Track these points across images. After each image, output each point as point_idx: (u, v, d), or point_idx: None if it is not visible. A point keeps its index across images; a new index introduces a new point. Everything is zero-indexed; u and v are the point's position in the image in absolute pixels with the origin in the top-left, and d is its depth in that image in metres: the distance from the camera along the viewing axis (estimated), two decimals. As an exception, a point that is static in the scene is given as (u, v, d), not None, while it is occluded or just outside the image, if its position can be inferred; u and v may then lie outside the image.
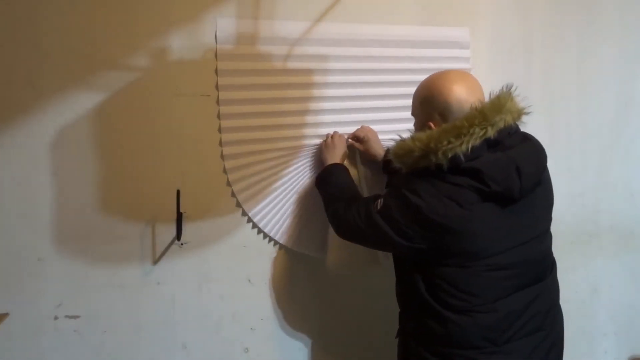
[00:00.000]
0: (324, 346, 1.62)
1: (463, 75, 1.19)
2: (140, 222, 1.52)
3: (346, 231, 1.29)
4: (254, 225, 1.57)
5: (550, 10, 1.70)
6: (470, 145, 1.05)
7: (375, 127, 1.60)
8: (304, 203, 1.59)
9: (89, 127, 1.49)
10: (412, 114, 1.26)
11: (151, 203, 1.52)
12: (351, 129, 1.59)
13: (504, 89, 1.14)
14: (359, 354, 1.64)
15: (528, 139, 1.17)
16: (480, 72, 1.64)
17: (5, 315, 1.45)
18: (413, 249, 1.12)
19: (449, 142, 1.06)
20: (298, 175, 1.58)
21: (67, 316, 1.50)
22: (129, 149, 1.50)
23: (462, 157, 1.06)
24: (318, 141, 1.58)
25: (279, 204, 1.57)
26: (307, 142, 1.58)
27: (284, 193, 1.58)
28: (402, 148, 1.15)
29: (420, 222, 1.09)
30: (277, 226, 1.58)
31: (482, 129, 1.06)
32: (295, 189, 1.58)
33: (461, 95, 1.12)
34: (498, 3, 1.67)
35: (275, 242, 1.59)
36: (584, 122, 1.74)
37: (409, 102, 1.51)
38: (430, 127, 1.14)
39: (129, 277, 1.51)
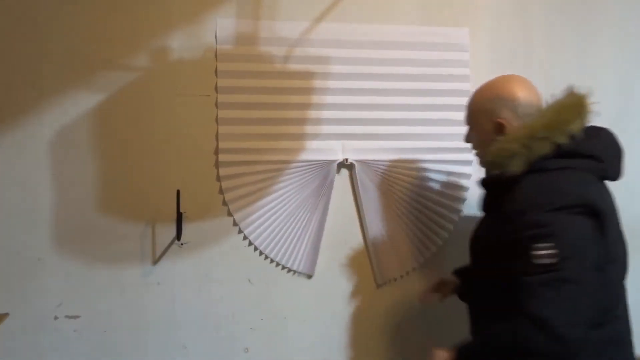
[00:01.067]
0: (324, 346, 1.62)
1: (520, 76, 1.20)
2: (140, 222, 1.52)
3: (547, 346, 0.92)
4: (245, 237, 1.56)
5: (550, 11, 1.70)
6: (583, 124, 1.07)
7: (374, 142, 1.58)
8: (296, 220, 1.57)
9: (89, 127, 1.49)
10: (470, 120, 1.22)
11: (151, 203, 1.52)
12: (352, 142, 1.58)
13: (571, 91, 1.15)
14: (359, 354, 1.64)
15: (602, 129, 1.16)
16: (480, 72, 1.64)
17: (5, 315, 1.45)
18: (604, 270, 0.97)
19: (568, 121, 1.04)
20: (292, 191, 1.57)
21: (67, 316, 1.50)
22: (129, 149, 1.51)
23: (579, 135, 1.05)
24: (315, 157, 1.56)
25: (270, 218, 1.56)
26: (304, 156, 1.56)
27: (276, 208, 1.56)
28: (513, 140, 1.05)
29: (592, 223, 0.97)
30: (267, 240, 1.56)
31: (586, 111, 1.08)
32: (288, 205, 1.57)
33: (525, 91, 1.13)
34: (498, 3, 1.67)
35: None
36: (584, 122, 1.74)
37: (409, 114, 1.52)
38: (502, 125, 1.11)
39: (129, 277, 1.51)
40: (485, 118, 1.15)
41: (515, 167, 1.04)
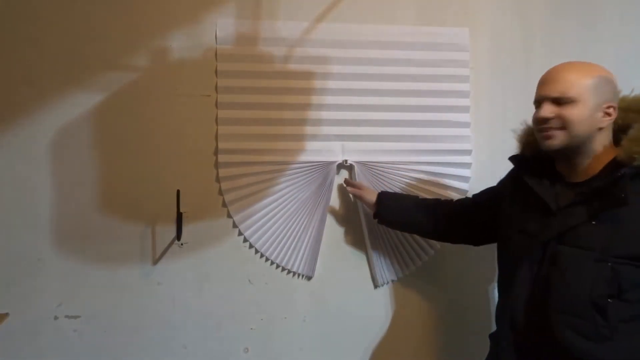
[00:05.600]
0: (324, 346, 1.62)
1: None
2: (140, 222, 1.52)
3: None
4: (245, 239, 1.56)
5: (550, 11, 1.70)
6: None
7: (374, 143, 1.58)
8: (296, 222, 1.57)
9: (89, 127, 1.49)
10: (573, 97, 1.03)
11: (151, 203, 1.52)
12: (352, 143, 1.57)
13: None
14: (359, 355, 1.64)
15: None
16: (480, 72, 1.64)
17: (5, 315, 1.46)
18: None
19: None
20: (292, 193, 1.56)
21: (67, 316, 1.50)
22: (129, 149, 1.51)
23: None
24: (314, 158, 1.56)
25: (270, 220, 1.56)
26: (304, 158, 1.55)
27: (276, 209, 1.56)
28: None
29: None
30: (268, 242, 1.56)
31: None
32: (288, 207, 1.56)
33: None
34: (498, 3, 1.67)
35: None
36: (584, 122, 1.74)
37: (409, 115, 1.49)
38: (610, 115, 1.04)
39: (129, 277, 1.52)
40: (597, 98, 1.04)
41: None
